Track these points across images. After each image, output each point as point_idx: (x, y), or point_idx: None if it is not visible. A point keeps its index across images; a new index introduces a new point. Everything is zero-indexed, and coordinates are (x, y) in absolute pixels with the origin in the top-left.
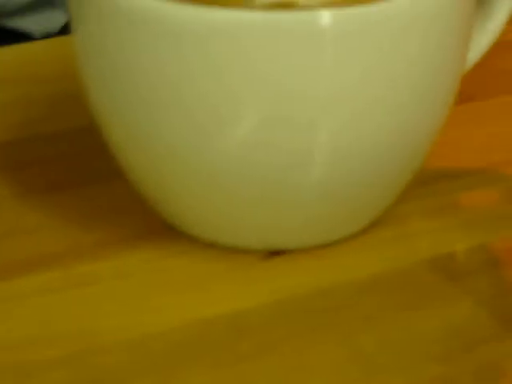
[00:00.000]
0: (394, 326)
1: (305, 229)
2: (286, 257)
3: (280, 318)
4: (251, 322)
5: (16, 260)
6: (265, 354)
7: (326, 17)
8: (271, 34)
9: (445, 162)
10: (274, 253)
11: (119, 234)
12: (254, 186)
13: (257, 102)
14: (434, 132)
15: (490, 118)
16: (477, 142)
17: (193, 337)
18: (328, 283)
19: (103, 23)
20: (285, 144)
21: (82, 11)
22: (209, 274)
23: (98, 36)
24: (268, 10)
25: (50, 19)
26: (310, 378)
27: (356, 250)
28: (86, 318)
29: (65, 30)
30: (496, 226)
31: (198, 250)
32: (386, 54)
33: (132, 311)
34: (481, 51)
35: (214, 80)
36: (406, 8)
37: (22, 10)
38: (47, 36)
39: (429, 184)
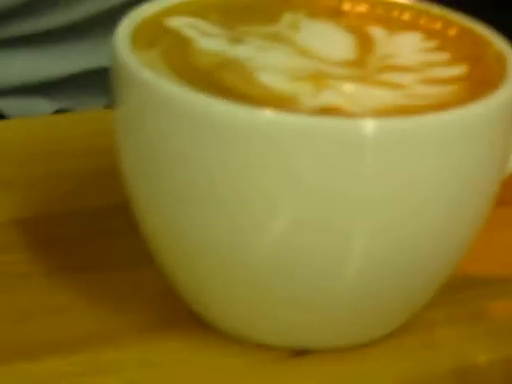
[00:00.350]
0: None
1: (332, 330)
2: (310, 357)
3: None
4: None
5: (41, 341)
6: None
7: (369, 126)
8: (313, 139)
9: (475, 266)
10: (300, 352)
11: (146, 321)
12: (285, 287)
13: (293, 205)
14: (470, 240)
15: None
16: (506, 249)
17: None
18: None
19: (145, 110)
20: (318, 248)
21: (125, 90)
22: (233, 369)
23: (139, 121)
24: (313, 114)
25: (32, 107)
26: None
27: (381, 355)
28: None
29: None
30: None
31: (223, 343)
32: (428, 165)
33: None
34: None
35: (252, 179)
36: (451, 120)
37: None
38: None
39: (457, 291)
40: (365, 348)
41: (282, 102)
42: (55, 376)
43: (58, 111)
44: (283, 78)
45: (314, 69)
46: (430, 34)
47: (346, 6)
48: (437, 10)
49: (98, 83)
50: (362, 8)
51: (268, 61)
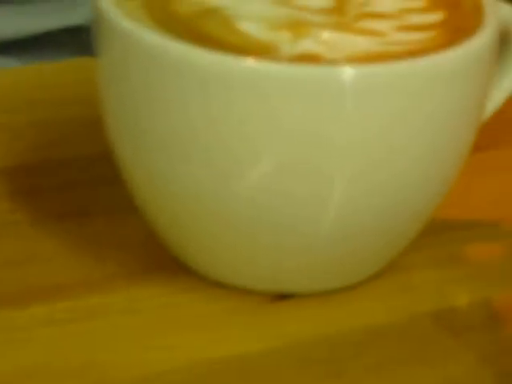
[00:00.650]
0: (395, 379)
1: (313, 274)
2: (292, 301)
3: (283, 364)
4: (255, 365)
5: (26, 288)
6: None
7: (347, 73)
8: (293, 85)
9: (453, 211)
10: (281, 296)
11: (129, 267)
12: (266, 230)
13: (274, 150)
14: (448, 184)
15: (502, 169)
16: (487, 194)
17: (197, 377)
18: (332, 331)
19: (127, 60)
20: (299, 192)
21: (107, 42)
22: (216, 313)
23: (121, 72)
24: (292, 62)
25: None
26: None
27: (361, 299)
28: (91, 352)
29: None
30: (500, 281)
31: (206, 287)
32: (406, 109)
33: (137, 348)
34: (496, 106)
35: (234, 125)
36: (428, 66)
37: None
38: None
39: (436, 234)
40: (345, 291)
41: (262, 50)
42: (40, 322)
43: None
44: (263, 26)
45: (293, 16)
46: None
47: None
48: None
49: (67, 42)
50: None
51: (248, 9)
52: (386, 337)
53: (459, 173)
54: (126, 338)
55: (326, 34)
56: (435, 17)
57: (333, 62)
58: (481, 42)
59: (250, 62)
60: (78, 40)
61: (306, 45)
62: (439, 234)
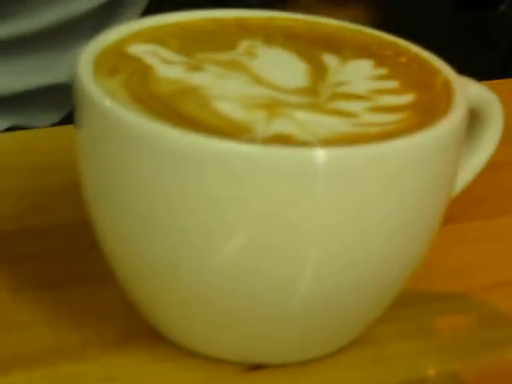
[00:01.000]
0: None
1: (285, 346)
2: (265, 372)
3: None
4: None
5: (2, 356)
6: None
7: (319, 155)
8: (265, 167)
9: (423, 283)
10: (255, 367)
11: (106, 335)
12: (240, 304)
13: (247, 229)
14: (419, 258)
15: (468, 241)
16: (454, 265)
17: None
18: None
19: (105, 136)
20: (271, 269)
21: (87, 117)
22: (189, 382)
23: (99, 147)
24: (266, 143)
25: None
26: None
27: (332, 370)
28: None
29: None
30: (468, 353)
31: (181, 357)
32: (378, 191)
33: None
34: (465, 182)
35: (208, 204)
36: (400, 149)
37: None
38: None
39: (406, 306)
40: (317, 363)
41: (237, 130)
42: None
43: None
44: (238, 106)
45: (268, 97)
46: (380, 61)
47: (302, 33)
48: (388, 37)
49: (51, 99)
50: (316, 34)
51: (224, 89)
52: None
53: (430, 246)
54: None
55: (300, 115)
56: (407, 98)
57: (306, 143)
58: (451, 123)
59: (222, 144)
60: (58, 98)
61: (280, 125)
62: (409, 307)
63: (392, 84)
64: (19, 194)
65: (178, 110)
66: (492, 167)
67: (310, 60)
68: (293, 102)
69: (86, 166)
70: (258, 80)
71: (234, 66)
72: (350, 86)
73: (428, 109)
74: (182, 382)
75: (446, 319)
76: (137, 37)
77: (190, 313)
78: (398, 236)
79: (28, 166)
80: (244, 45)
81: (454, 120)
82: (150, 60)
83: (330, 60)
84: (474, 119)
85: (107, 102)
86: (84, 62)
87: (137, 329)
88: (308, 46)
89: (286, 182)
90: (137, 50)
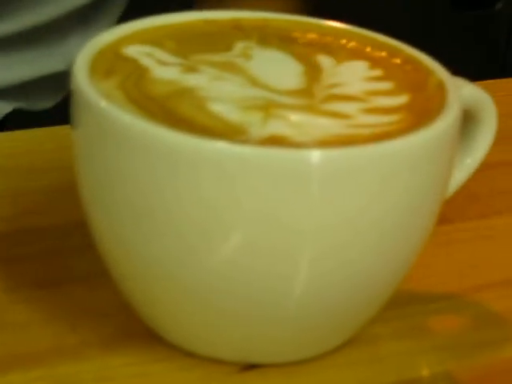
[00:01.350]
0: None
1: (280, 345)
2: (260, 371)
3: None
4: None
5: (4, 356)
6: None
7: (314, 156)
8: (260, 169)
9: (417, 284)
10: (250, 366)
11: (102, 335)
12: (234, 304)
13: (242, 230)
14: (413, 259)
15: (461, 241)
16: (447, 265)
17: None
18: None
19: (101, 137)
20: (266, 269)
21: (83, 118)
22: (186, 382)
23: (95, 147)
24: (260, 145)
25: None
26: None
27: (326, 370)
28: None
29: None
30: (462, 353)
31: (177, 357)
32: (372, 192)
33: None
34: (459, 182)
35: (203, 206)
36: (394, 150)
37: None
38: None
39: (401, 307)
40: (312, 362)
41: (231, 132)
42: None
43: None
44: (233, 108)
45: (263, 98)
46: (375, 62)
47: (297, 34)
48: (382, 38)
49: (49, 86)
50: (311, 36)
51: (220, 90)
52: None
53: (424, 246)
54: None
55: (295, 117)
56: (401, 99)
57: (300, 145)
58: (445, 124)
59: (217, 145)
60: (56, 84)
61: (275, 127)
62: (403, 307)
63: (386, 85)
64: (15, 194)
65: (174, 111)
66: (486, 167)
67: (305, 61)
68: (288, 104)
69: (82, 167)
70: (253, 81)
71: (229, 68)
72: (345, 88)
73: (422, 110)
74: (178, 381)
75: (439, 319)
76: (133, 38)
77: (186, 313)
78: (392, 236)
79: (24, 167)
80: (239, 46)
81: (447, 121)
82: (146, 61)
83: (325, 61)
84: (468, 120)
85: (103, 104)
86: (80, 64)
87: (133, 329)
88: (303, 48)
89: (280, 183)
90: (133, 51)
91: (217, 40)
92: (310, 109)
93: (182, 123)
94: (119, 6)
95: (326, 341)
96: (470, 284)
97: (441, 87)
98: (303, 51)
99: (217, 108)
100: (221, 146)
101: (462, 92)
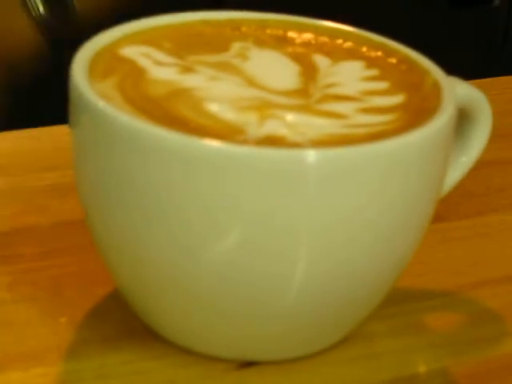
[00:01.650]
0: None
1: (277, 343)
2: (257, 368)
3: None
4: None
5: (4, 354)
6: None
7: (312, 156)
8: (257, 169)
9: (413, 281)
10: (247, 364)
11: (101, 333)
12: (231, 303)
13: (238, 230)
14: (409, 256)
15: (458, 239)
16: (444, 263)
17: None
18: None
19: (99, 138)
20: (262, 268)
21: (81, 118)
22: (184, 380)
23: (93, 147)
24: (257, 145)
25: None
26: None
27: (323, 367)
28: None
29: None
30: (458, 350)
31: (175, 354)
32: (368, 191)
33: None
34: (455, 181)
35: (199, 206)
36: (389, 149)
37: None
38: None
39: (397, 304)
40: (309, 359)
41: (228, 132)
42: None
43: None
44: (230, 108)
45: (259, 98)
46: (370, 62)
47: (293, 34)
48: (378, 38)
49: None
50: (307, 36)
51: (217, 90)
52: None
53: (420, 244)
54: None
55: (291, 117)
56: (396, 99)
57: (296, 144)
58: (440, 123)
59: (214, 145)
60: None
61: (271, 127)
62: (400, 304)
63: (382, 85)
64: (13, 193)
65: (171, 111)
66: (481, 165)
67: (302, 62)
68: (284, 104)
69: (80, 166)
70: (250, 82)
71: (226, 68)
72: (341, 88)
73: (417, 109)
74: (176, 378)
75: (436, 316)
76: (130, 39)
77: (183, 311)
78: (388, 235)
79: (21, 166)
80: (236, 47)
81: (442, 120)
82: (143, 62)
83: (321, 62)
84: (463, 118)
85: (101, 104)
86: (78, 65)
87: (131, 326)
88: (299, 48)
89: (276, 183)
90: (130, 52)
91: (214, 40)
92: (306, 109)
93: (178, 123)
94: None
95: (323, 338)
96: (465, 281)
97: (436, 87)
98: (299, 51)
99: (213, 108)
100: (217, 146)
101: (457, 91)
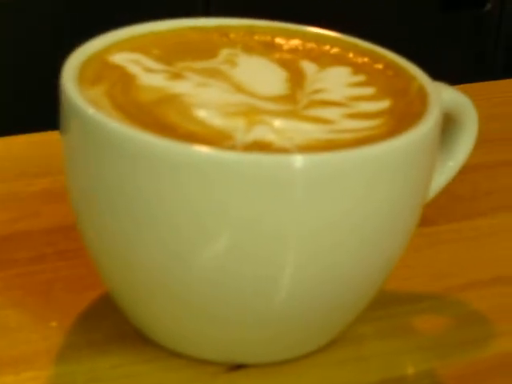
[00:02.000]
0: None
1: (266, 346)
2: (246, 371)
3: None
4: None
5: None
6: None
7: (298, 161)
8: (244, 174)
9: (401, 284)
10: (236, 366)
11: (92, 337)
12: (219, 307)
13: (226, 235)
14: (395, 260)
15: (445, 242)
16: (431, 266)
17: None
18: None
19: (88, 144)
20: (250, 272)
21: (71, 124)
22: (173, 382)
23: (82, 153)
24: (244, 151)
25: None
26: None
27: (312, 369)
28: None
29: None
30: (446, 352)
31: (165, 358)
32: (355, 196)
33: None
34: (441, 185)
35: (187, 212)
36: (375, 154)
37: None
38: None
39: (385, 306)
40: (298, 362)
41: (217, 138)
42: None
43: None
44: (218, 114)
45: (247, 104)
46: (357, 68)
47: (281, 40)
48: (364, 44)
49: None
50: (295, 42)
51: (205, 97)
52: None
53: (406, 247)
54: None
55: (278, 122)
56: (383, 104)
57: (284, 150)
58: (426, 128)
59: (202, 151)
60: None
61: (259, 133)
62: (388, 307)
63: (368, 90)
64: (5, 199)
65: (160, 117)
66: (468, 170)
67: (289, 68)
68: (272, 110)
69: (71, 172)
70: (238, 88)
71: (214, 74)
72: (328, 93)
73: (403, 114)
74: (166, 382)
75: (423, 319)
76: (120, 46)
77: (172, 315)
78: (374, 239)
79: (13, 171)
80: (224, 53)
81: (428, 125)
82: (133, 69)
83: (308, 68)
84: (450, 123)
85: (90, 111)
86: (68, 71)
87: (122, 331)
88: (287, 54)
89: (264, 189)
90: (119, 58)
91: (202, 47)
92: (293, 114)
93: (167, 129)
94: None
95: (311, 341)
96: (452, 284)
97: (422, 92)
98: (287, 57)
99: (202, 114)
100: (206, 152)
101: (443, 96)
